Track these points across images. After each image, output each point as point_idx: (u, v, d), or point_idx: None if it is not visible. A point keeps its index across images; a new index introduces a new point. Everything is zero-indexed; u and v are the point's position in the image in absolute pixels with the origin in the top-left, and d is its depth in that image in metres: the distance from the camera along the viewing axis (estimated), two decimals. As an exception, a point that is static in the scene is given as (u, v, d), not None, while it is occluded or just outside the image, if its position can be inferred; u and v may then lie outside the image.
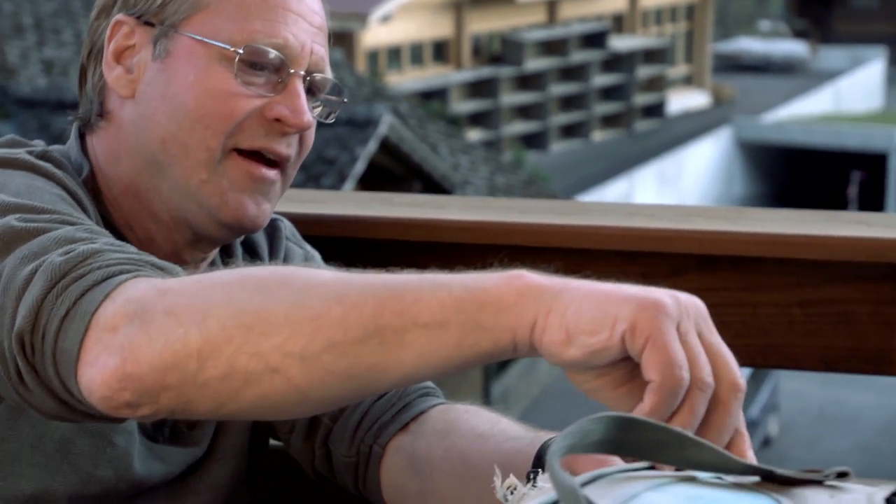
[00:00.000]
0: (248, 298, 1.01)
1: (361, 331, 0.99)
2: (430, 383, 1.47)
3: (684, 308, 0.98)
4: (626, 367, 0.98)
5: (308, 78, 1.39)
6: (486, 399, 12.93)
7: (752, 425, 14.28)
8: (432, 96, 26.63)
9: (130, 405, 1.04)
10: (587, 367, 0.98)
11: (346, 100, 1.47)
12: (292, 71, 1.37)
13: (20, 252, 1.15)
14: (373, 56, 26.79)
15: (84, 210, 1.31)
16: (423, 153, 13.13)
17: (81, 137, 1.43)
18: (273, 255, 1.53)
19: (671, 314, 0.96)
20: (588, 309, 0.96)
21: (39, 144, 1.38)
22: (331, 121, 1.45)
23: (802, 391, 16.70)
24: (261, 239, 1.53)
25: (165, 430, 1.42)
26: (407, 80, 26.85)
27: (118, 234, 1.37)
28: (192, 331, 1.01)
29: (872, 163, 29.70)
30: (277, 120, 1.36)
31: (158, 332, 1.02)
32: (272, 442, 1.59)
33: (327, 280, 1.02)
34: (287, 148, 1.39)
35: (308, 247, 1.58)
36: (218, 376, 1.01)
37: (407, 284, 1.00)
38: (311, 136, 1.42)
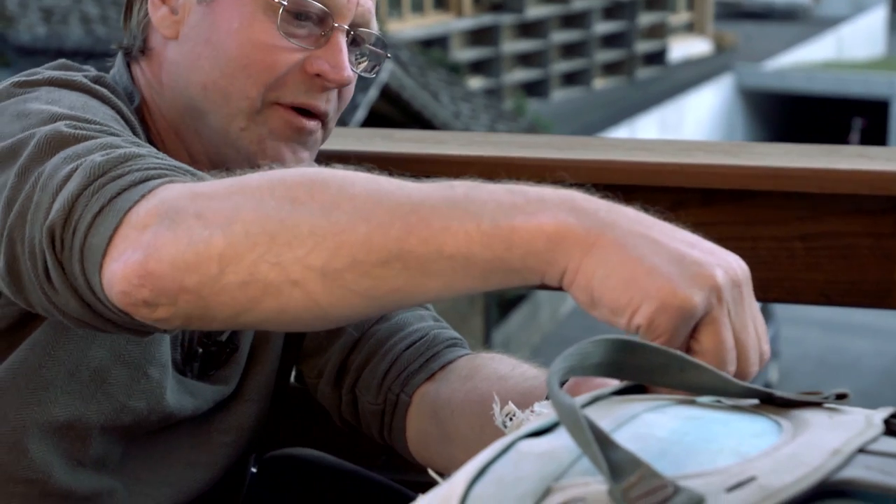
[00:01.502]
0: (277, 207, 0.99)
1: (385, 253, 0.96)
2: (457, 334, 1.48)
3: (719, 295, 0.92)
4: None
5: (352, 32, 1.38)
6: (488, 347, 12.95)
7: (753, 372, 14.32)
8: (433, 44, 26.50)
9: (148, 303, 1.03)
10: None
11: (389, 55, 1.45)
12: (336, 25, 1.36)
13: (64, 153, 1.14)
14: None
15: (136, 134, 1.31)
16: (424, 101, 13.09)
17: (128, 66, 1.43)
18: None
19: (694, 318, 0.91)
20: (614, 284, 0.91)
21: (92, 70, 1.38)
22: (373, 75, 1.44)
23: (803, 338, 16.73)
24: None
25: (195, 364, 1.42)
26: (407, 27, 26.72)
27: None
28: (216, 234, 1.00)
29: (874, 109, 29.60)
30: (318, 75, 1.36)
31: (185, 232, 1.01)
32: (293, 383, 1.60)
33: (357, 193, 0.98)
34: (326, 104, 1.38)
35: None
36: (237, 283, 0.99)
37: (437, 208, 0.96)
38: (350, 89, 1.42)
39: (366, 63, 1.43)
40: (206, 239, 1.00)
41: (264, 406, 1.50)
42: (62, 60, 1.38)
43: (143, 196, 1.06)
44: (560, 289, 0.95)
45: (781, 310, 15.92)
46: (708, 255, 0.93)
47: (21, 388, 1.30)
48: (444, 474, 0.83)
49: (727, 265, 0.94)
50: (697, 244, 0.94)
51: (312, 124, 1.38)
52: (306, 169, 1.04)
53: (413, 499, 0.81)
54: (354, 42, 1.40)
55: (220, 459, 1.46)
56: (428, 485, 0.82)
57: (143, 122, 1.40)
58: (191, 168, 1.14)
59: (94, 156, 1.11)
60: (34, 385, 1.30)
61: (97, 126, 1.19)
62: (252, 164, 1.35)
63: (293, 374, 1.60)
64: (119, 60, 1.43)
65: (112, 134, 1.19)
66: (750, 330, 0.95)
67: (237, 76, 1.34)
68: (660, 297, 0.90)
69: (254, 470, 1.63)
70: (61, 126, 1.17)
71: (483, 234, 0.94)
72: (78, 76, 1.31)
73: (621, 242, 0.92)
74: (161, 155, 1.15)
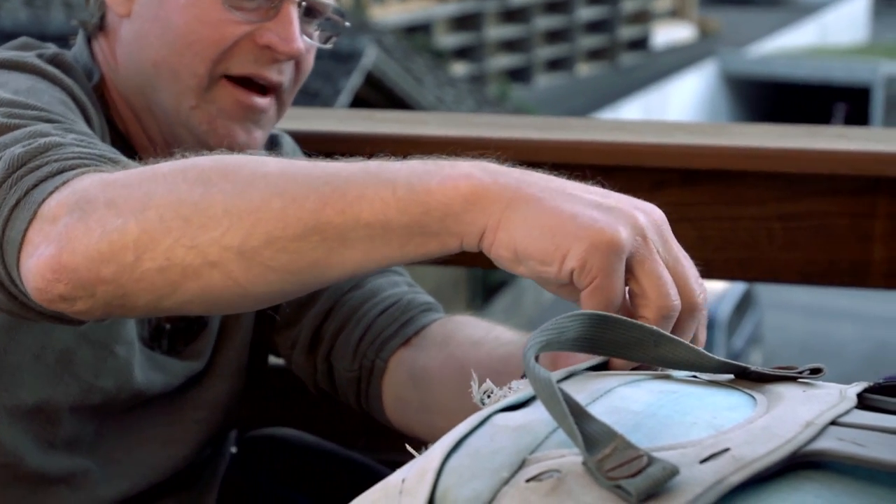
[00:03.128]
0: (189, 190, 0.98)
1: (301, 227, 0.95)
2: (431, 298, 1.47)
3: (643, 233, 0.92)
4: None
5: (304, 3, 1.36)
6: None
7: (736, 357, 14.34)
8: (417, 30, 26.46)
9: (65, 298, 1.02)
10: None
11: (348, 24, 1.44)
12: None
13: None
14: (356, -11, 26.57)
15: (86, 117, 1.30)
16: (408, 86, 13.07)
17: (89, 42, 1.42)
18: None
19: (624, 252, 0.91)
20: (538, 235, 0.91)
21: (51, 47, 1.37)
22: (329, 45, 1.42)
23: (786, 323, 16.77)
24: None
25: (163, 341, 1.42)
26: (391, 13, 26.66)
27: (123, 141, 1.37)
28: (129, 222, 0.99)
29: (856, 96, 29.66)
30: (267, 46, 1.34)
31: (97, 222, 1.00)
32: (272, 360, 1.60)
33: (270, 171, 0.98)
34: (279, 75, 1.36)
35: None
36: (155, 269, 0.98)
37: (350, 179, 0.96)
38: (308, 61, 1.40)
39: (318, 33, 1.41)
40: (119, 227, 0.99)
41: (237, 381, 1.50)
42: (23, 38, 1.37)
43: (56, 188, 1.05)
44: (480, 253, 0.95)
45: (765, 295, 15.97)
46: (625, 202, 0.94)
47: None
48: (421, 448, 0.83)
49: (645, 208, 0.95)
50: (612, 195, 0.95)
51: (264, 101, 1.37)
52: (219, 155, 1.03)
53: (392, 478, 0.81)
54: (310, 13, 1.38)
55: (195, 436, 1.46)
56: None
57: (105, 99, 1.39)
58: (116, 155, 1.13)
59: (15, 147, 1.11)
60: (0, 371, 1.30)
61: (34, 112, 1.18)
62: (204, 144, 1.34)
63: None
64: (80, 37, 1.42)
65: (48, 120, 1.18)
66: (684, 262, 0.96)
67: (185, 53, 1.33)
68: (588, 237, 0.90)
69: (234, 450, 1.63)
70: None
71: (399, 199, 0.94)
72: (30, 57, 1.30)
73: (538, 196, 0.92)
74: (87, 140, 1.14)
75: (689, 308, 0.95)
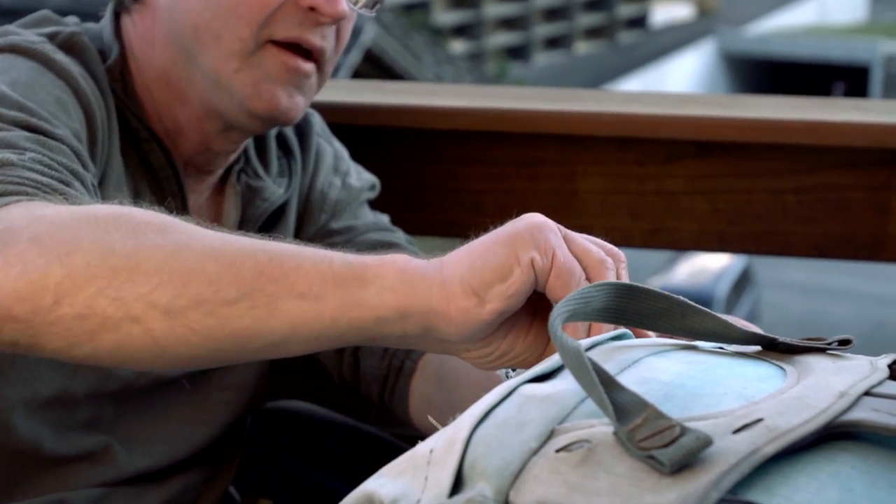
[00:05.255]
0: (121, 239, 0.95)
1: (233, 292, 0.93)
2: None
3: (550, 229, 0.97)
4: (521, 318, 1.00)
5: None
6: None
7: (734, 335, 14.37)
8: (415, 7, 26.40)
9: None
10: (501, 320, 0.97)
11: None
12: None
13: None
14: (355, -34, 26.49)
15: (89, 111, 1.27)
16: (407, 64, 13.05)
17: (117, 17, 1.39)
18: (304, 151, 1.51)
19: (555, 227, 0.96)
20: (485, 260, 0.94)
21: (72, 22, 1.34)
22: (373, 13, 1.39)
23: (784, 303, 16.79)
24: (291, 134, 1.50)
25: None
26: (389, -10, 26.61)
27: (144, 124, 1.35)
28: (53, 263, 0.95)
29: (855, 75, 29.66)
30: (312, 9, 1.32)
31: (18, 258, 0.95)
32: None
33: (206, 235, 0.96)
34: (322, 40, 1.34)
35: (337, 143, 1.56)
36: (73, 315, 0.94)
37: (287, 251, 0.95)
38: (347, 29, 1.38)
39: (364, 0, 1.39)
40: (41, 267, 0.95)
41: (264, 362, 1.48)
42: (44, 12, 1.34)
43: None
44: (426, 330, 0.95)
45: (762, 274, 15.99)
46: (516, 219, 0.99)
47: (5, 372, 1.28)
48: (447, 420, 0.81)
49: (535, 218, 0.98)
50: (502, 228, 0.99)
51: (308, 66, 1.34)
52: (153, 211, 1.00)
53: (406, 451, 0.79)
54: None
55: (220, 417, 1.44)
56: (419, 439, 0.81)
57: (126, 76, 1.36)
58: (68, 186, 1.10)
59: None
60: (18, 366, 1.28)
61: (15, 114, 1.15)
62: (245, 107, 1.32)
63: None
64: (108, 12, 1.40)
65: (28, 126, 1.15)
66: (576, 237, 0.99)
67: (228, 17, 1.30)
68: (524, 230, 0.95)
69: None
70: None
71: (336, 272, 0.94)
72: (41, 43, 1.28)
73: (461, 250, 0.96)
74: (48, 163, 1.11)
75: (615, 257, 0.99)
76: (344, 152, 1.56)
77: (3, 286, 0.94)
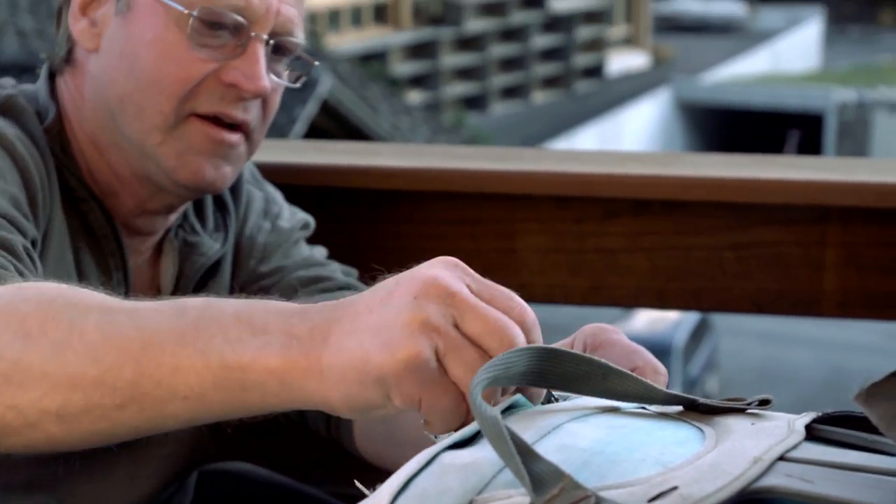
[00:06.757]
0: (10, 343, 0.94)
1: (120, 397, 0.93)
2: None
3: (439, 298, 0.87)
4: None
5: (272, 41, 1.34)
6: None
7: (692, 384, 14.40)
8: (372, 58, 26.50)
9: None
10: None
11: (317, 62, 1.42)
12: (253, 34, 1.32)
13: None
14: (311, 17, 26.60)
15: (26, 175, 1.27)
16: (363, 115, 13.07)
17: (52, 78, 1.40)
18: (235, 200, 1.50)
19: (428, 360, 0.86)
20: (357, 394, 0.87)
21: (8, 84, 1.35)
22: (298, 85, 1.40)
23: (742, 350, 16.85)
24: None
25: None
26: (346, 41, 26.70)
27: (83, 184, 1.35)
28: None
29: (809, 123, 29.94)
30: (233, 85, 1.32)
31: None
32: None
33: (88, 329, 0.94)
34: (244, 113, 1.34)
35: (269, 187, 1.55)
36: None
37: (165, 344, 0.92)
38: (275, 100, 1.38)
39: (290, 73, 1.39)
40: None
41: None
42: None
43: None
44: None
45: (720, 322, 16.03)
46: (405, 285, 0.88)
47: None
48: (371, 487, 0.82)
49: (427, 268, 0.89)
50: (397, 286, 0.89)
51: (234, 137, 1.35)
52: (43, 292, 0.98)
53: (347, 512, 0.79)
54: (279, 51, 1.37)
55: (160, 472, 1.44)
56: (363, 498, 0.81)
57: (62, 136, 1.37)
58: None
59: None
60: None
61: None
62: (172, 177, 1.33)
63: None
64: (43, 72, 1.41)
65: None
66: (492, 287, 0.90)
67: (150, 90, 1.31)
68: (389, 373, 0.86)
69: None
70: None
71: (214, 374, 0.91)
72: None
73: (339, 348, 0.88)
74: None
75: (523, 323, 0.90)
76: (276, 195, 1.55)
77: None
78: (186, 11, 1.30)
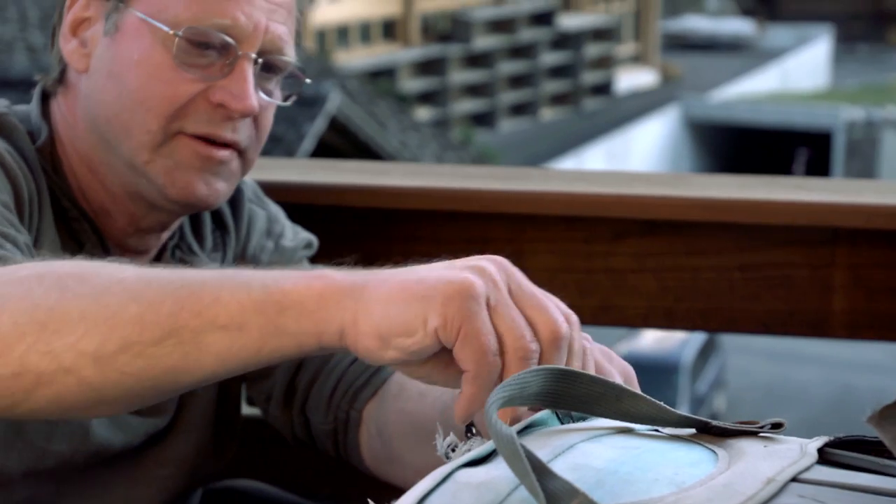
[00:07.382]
0: (45, 294, 0.97)
1: (158, 331, 0.95)
2: None
3: (491, 277, 0.94)
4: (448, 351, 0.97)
5: (261, 60, 1.33)
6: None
7: (700, 401, 14.38)
8: (381, 75, 26.55)
9: None
10: (410, 363, 0.97)
11: (308, 80, 1.41)
12: (241, 53, 1.32)
13: None
14: (321, 34, 26.66)
15: (17, 187, 1.28)
16: (372, 131, 13.08)
17: (45, 99, 1.40)
18: (236, 220, 1.50)
19: (479, 294, 0.92)
20: (396, 311, 0.92)
21: (1, 105, 1.35)
22: (289, 103, 1.40)
23: (750, 368, 16.81)
24: (224, 206, 1.50)
25: None
26: (355, 58, 26.73)
27: (75, 203, 1.36)
28: None
29: (818, 141, 29.92)
30: (221, 105, 1.32)
31: None
32: (245, 411, 1.58)
33: (126, 277, 0.98)
34: (233, 133, 1.34)
35: (273, 206, 1.56)
36: (9, 374, 0.96)
37: (206, 282, 0.96)
38: (267, 118, 1.38)
39: (278, 91, 1.39)
40: None
41: (204, 435, 1.48)
42: None
43: None
44: (343, 349, 0.96)
45: (728, 340, 16.01)
46: (468, 259, 0.96)
47: None
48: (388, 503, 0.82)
49: (488, 258, 0.96)
50: (456, 261, 0.96)
51: (223, 154, 1.35)
52: (78, 260, 1.02)
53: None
54: (269, 69, 1.36)
55: (160, 493, 1.44)
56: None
57: (54, 157, 1.37)
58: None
59: None
60: None
61: None
62: (163, 194, 1.34)
63: (243, 399, 1.57)
64: (36, 93, 1.41)
65: None
66: (539, 296, 0.96)
67: (137, 110, 1.32)
68: (440, 293, 0.92)
69: None
70: None
71: (254, 301, 0.95)
72: None
73: (385, 280, 0.94)
74: None
75: (553, 339, 0.95)
76: (279, 214, 1.56)
77: None
78: (172, 32, 1.30)
